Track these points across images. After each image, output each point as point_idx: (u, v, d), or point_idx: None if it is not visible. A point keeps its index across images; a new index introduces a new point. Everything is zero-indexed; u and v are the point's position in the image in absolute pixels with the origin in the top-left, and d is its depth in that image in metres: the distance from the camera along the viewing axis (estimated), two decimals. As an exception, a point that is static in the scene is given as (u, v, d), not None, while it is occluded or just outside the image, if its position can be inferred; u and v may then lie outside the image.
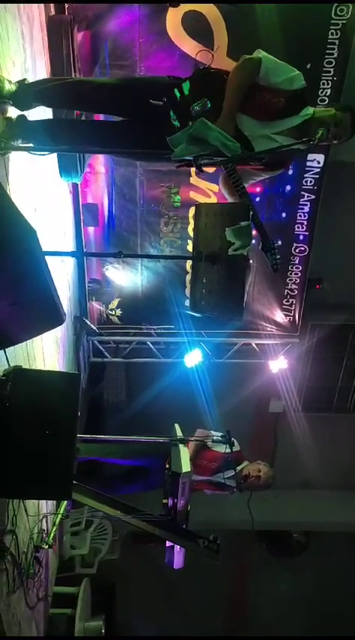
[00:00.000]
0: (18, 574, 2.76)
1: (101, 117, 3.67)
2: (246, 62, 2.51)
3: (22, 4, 2.85)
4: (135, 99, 2.62)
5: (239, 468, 3.81)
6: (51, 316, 2.07)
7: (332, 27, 3.98)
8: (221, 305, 2.44)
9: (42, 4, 3.44)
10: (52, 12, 3.73)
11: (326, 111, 2.63)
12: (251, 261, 2.66)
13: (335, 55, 4.08)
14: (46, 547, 3.34)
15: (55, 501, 3.70)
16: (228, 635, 8.05)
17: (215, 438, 3.78)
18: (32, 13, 3.16)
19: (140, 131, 2.65)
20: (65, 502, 3.81)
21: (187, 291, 5.16)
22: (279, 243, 4.95)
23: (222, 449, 3.79)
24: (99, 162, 4.63)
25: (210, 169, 4.33)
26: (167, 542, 3.59)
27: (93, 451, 4.04)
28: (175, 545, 3.53)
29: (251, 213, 2.33)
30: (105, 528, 6.01)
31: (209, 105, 2.46)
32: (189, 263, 4.91)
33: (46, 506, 3.47)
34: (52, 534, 3.50)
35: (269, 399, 6.88)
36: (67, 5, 3.82)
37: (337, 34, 4.00)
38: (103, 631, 4.91)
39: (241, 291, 2.32)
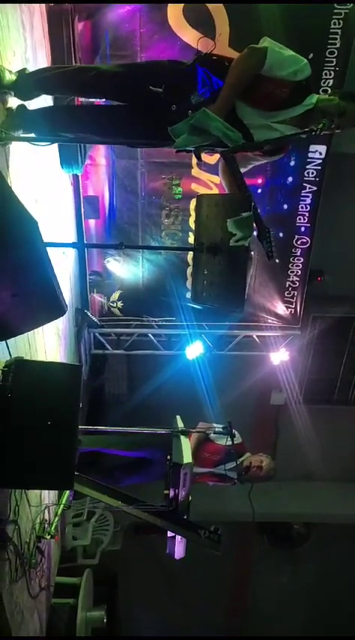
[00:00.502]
0: (20, 564, 2.78)
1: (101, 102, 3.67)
2: (251, 53, 2.45)
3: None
4: (135, 85, 2.59)
5: (240, 459, 3.83)
6: (52, 307, 2.07)
7: (334, 16, 3.95)
8: (222, 296, 2.43)
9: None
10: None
11: (330, 100, 2.57)
12: (252, 253, 2.65)
13: (338, 45, 4.04)
14: (49, 537, 3.36)
15: (57, 492, 3.72)
16: (230, 625, 8.10)
17: (217, 429, 3.80)
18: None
19: (139, 117, 2.62)
20: (67, 493, 3.83)
21: (188, 283, 5.16)
22: (281, 235, 4.95)
23: (224, 441, 3.81)
24: (100, 154, 4.61)
25: (212, 161, 4.36)
26: (168, 532, 3.61)
27: (95, 442, 4.06)
28: (176, 536, 3.55)
29: (252, 204, 2.32)
30: (107, 519, 6.04)
31: (207, 94, 2.45)
32: (190, 255, 4.90)
33: (48, 496, 3.49)
34: (54, 525, 3.51)
35: (271, 391, 6.89)
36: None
37: (339, 23, 3.97)
38: (105, 621, 4.94)
39: (243, 282, 2.32)
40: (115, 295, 5.35)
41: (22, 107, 2.63)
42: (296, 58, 2.49)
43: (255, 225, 2.53)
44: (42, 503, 3.30)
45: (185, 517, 3.52)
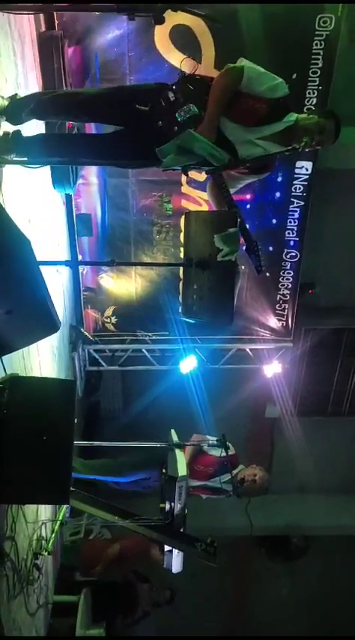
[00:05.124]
0: (18, 580, 2.79)
1: (92, 127, 3.77)
2: (229, 71, 2.55)
3: (12, 21, 2.93)
4: (123, 105, 2.64)
5: (235, 471, 3.86)
6: (46, 323, 2.12)
7: (316, 38, 4.08)
8: (211, 310, 2.49)
9: (33, 21, 3.53)
10: (43, 28, 3.81)
11: (310, 118, 2.66)
12: (243, 267, 2.72)
13: (320, 65, 4.18)
14: (46, 554, 3.37)
15: (53, 509, 3.73)
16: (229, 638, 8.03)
17: (210, 442, 3.83)
18: (23, 30, 3.24)
19: (130, 140, 2.69)
20: (64, 508, 3.84)
21: (181, 298, 5.22)
22: (271, 249, 5.04)
23: (218, 453, 3.83)
24: (92, 173, 4.70)
25: (201, 178, 4.46)
26: (165, 546, 3.63)
27: (89, 469, 4.10)
28: (173, 550, 3.57)
29: (238, 220, 2.40)
30: (105, 537, 6.01)
31: (194, 110, 2.52)
32: (182, 269, 4.98)
33: (44, 513, 3.50)
34: (51, 541, 3.52)
35: (265, 404, 6.92)
36: (57, 21, 3.90)
37: (321, 44, 4.10)
38: (104, 634, 4.90)
39: (230, 296, 2.38)
40: (109, 311, 5.41)
41: (16, 132, 2.70)
42: (273, 76, 2.57)
43: (243, 239, 2.60)
44: (38, 520, 3.31)
45: (181, 530, 3.55)
